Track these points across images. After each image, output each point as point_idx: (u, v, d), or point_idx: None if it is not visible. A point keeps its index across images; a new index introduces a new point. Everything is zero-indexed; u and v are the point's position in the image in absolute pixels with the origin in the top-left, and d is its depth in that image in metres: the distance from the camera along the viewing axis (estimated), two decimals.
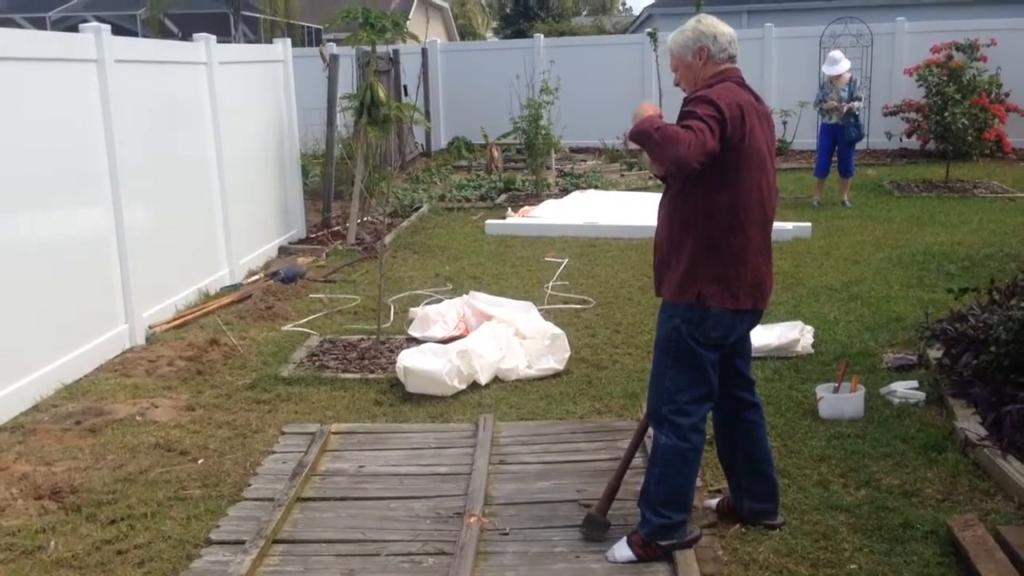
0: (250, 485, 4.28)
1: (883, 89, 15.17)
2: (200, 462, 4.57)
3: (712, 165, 3.24)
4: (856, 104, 10.84)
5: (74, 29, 6.28)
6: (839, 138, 10.95)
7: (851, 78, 10.97)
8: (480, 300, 6.47)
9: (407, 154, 15.28)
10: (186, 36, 9.27)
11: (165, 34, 20.77)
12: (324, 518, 3.95)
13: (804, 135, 15.17)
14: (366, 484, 4.27)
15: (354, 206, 9.89)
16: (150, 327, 6.67)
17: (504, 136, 13.95)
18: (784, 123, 15.26)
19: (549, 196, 12.17)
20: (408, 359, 5.42)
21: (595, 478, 4.16)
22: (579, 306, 7.18)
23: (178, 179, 7.39)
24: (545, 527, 3.81)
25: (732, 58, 3.50)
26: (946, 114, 12.50)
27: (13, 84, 5.39)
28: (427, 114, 16.89)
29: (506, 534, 3.77)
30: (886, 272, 7.89)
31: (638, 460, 4.01)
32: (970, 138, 13.18)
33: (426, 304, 6.88)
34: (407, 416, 5.13)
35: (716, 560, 3.53)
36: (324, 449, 4.62)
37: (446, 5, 36.60)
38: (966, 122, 12.61)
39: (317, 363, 5.96)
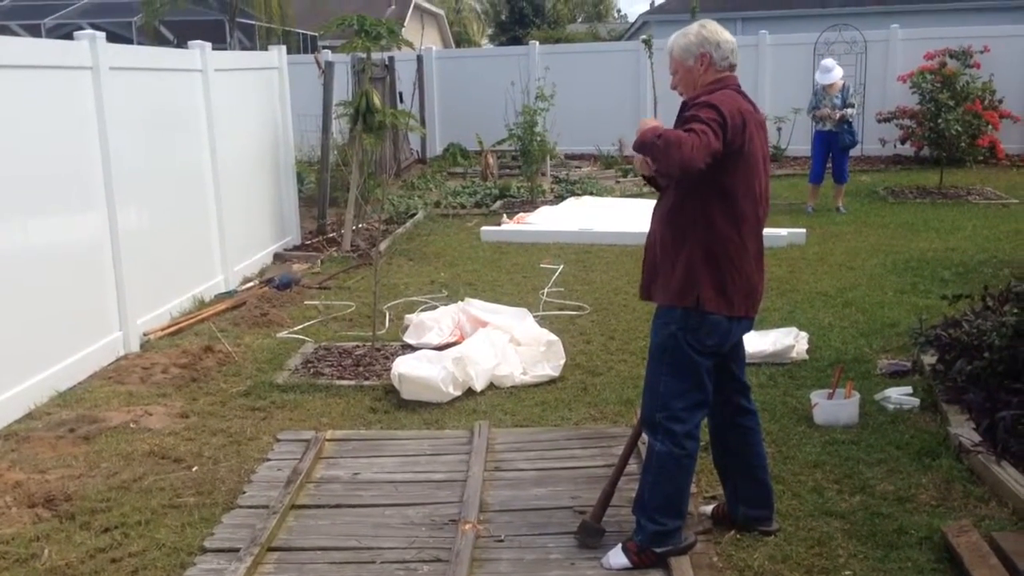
0: (244, 492, 4.27)
1: (877, 96, 15.20)
2: (195, 469, 4.56)
3: (712, 172, 3.24)
4: (849, 111, 10.88)
5: (69, 36, 6.28)
6: (833, 145, 10.98)
7: (844, 85, 11.02)
8: (475, 307, 6.47)
9: (402, 161, 15.30)
10: (182, 43, 9.30)
11: (161, 41, 20.75)
12: (319, 525, 3.94)
13: (798, 141, 15.20)
14: (361, 491, 4.27)
15: (349, 213, 9.90)
16: (144, 334, 6.66)
17: (499, 143, 13.94)
18: (779, 129, 15.30)
19: (544, 203, 12.18)
20: (403, 366, 5.42)
21: (590, 485, 4.16)
22: (574, 313, 7.19)
23: (173, 186, 7.39)
24: (540, 534, 3.81)
25: (732, 67, 3.50)
26: (940, 121, 12.53)
27: (7, 91, 5.38)
28: (422, 121, 16.86)
29: (501, 541, 3.76)
30: (880, 278, 7.91)
31: (632, 467, 4.01)
32: (964, 144, 13.21)
33: (421, 311, 6.89)
34: (402, 423, 5.12)
35: (711, 567, 3.53)
36: (319, 456, 4.61)
37: (441, 12, 36.68)
38: (960, 128, 12.64)
39: (312, 370, 5.95)
